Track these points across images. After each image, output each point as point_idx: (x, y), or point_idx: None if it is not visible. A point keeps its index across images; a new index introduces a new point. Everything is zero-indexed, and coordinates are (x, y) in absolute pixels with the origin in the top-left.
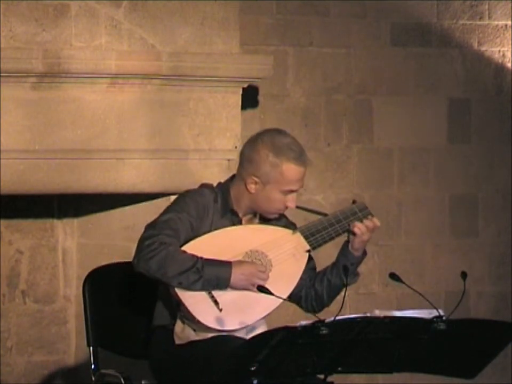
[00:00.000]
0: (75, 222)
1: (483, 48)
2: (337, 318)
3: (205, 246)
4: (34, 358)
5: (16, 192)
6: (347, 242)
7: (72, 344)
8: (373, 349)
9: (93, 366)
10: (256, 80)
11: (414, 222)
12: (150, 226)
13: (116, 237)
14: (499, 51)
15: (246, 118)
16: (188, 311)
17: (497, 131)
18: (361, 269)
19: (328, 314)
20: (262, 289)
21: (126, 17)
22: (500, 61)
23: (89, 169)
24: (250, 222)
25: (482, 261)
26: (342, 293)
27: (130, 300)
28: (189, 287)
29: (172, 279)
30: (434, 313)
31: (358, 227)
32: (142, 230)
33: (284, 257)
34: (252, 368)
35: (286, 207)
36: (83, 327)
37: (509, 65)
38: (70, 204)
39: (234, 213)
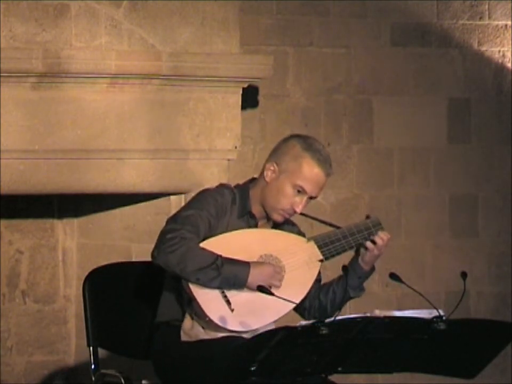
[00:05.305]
0: (75, 222)
1: (483, 48)
2: (337, 318)
3: (221, 245)
4: (34, 358)
5: (16, 192)
6: (357, 256)
7: (72, 344)
8: (373, 349)
9: (93, 366)
10: (256, 80)
11: (414, 222)
12: (172, 220)
13: (116, 237)
14: (499, 51)
15: (246, 118)
16: (200, 308)
17: (497, 131)
18: None
19: None
20: (262, 289)
21: (126, 17)
22: (500, 61)
23: (89, 169)
24: (264, 227)
25: (482, 261)
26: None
27: (130, 300)
28: (206, 284)
29: (191, 274)
30: (434, 313)
31: (380, 238)
32: (143, 229)
33: (297, 264)
34: (252, 368)
35: (293, 210)
36: (83, 327)
37: (509, 65)
38: (70, 204)
39: (252, 216)
